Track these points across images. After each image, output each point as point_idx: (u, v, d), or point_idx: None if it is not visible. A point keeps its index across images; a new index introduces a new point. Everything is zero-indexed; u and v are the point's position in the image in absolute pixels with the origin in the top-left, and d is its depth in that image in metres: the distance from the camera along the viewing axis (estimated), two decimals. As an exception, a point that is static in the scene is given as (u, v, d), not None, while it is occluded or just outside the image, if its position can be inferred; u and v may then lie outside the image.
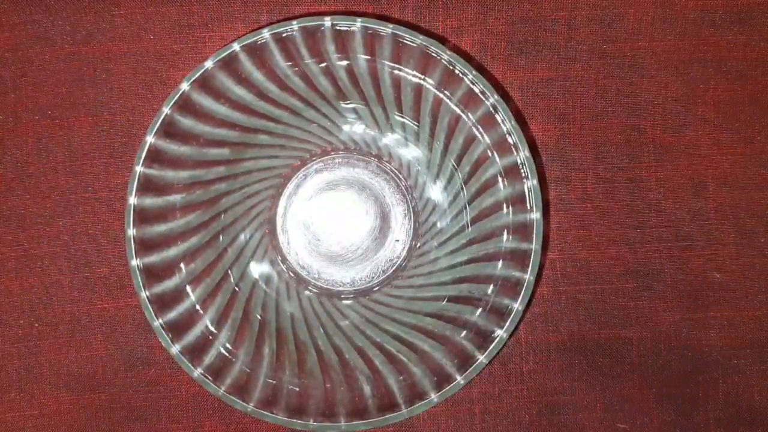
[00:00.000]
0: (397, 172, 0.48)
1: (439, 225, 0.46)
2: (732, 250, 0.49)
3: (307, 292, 0.47)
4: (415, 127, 0.45)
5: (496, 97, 0.40)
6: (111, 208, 0.48)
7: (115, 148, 0.48)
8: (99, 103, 0.48)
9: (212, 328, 0.43)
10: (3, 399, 0.48)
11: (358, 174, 0.48)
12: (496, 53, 0.48)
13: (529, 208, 0.41)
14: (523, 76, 0.48)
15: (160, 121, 0.41)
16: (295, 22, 0.40)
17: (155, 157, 0.41)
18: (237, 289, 0.45)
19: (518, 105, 0.48)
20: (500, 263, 0.42)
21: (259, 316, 0.45)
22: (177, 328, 0.42)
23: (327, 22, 0.40)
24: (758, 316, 0.49)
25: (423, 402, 0.41)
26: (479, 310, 0.42)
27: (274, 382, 0.42)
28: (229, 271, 0.45)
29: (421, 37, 0.40)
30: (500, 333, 0.41)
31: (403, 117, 0.45)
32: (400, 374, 0.42)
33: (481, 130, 0.41)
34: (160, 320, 0.41)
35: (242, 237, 0.46)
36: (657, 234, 0.48)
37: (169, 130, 0.41)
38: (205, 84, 0.41)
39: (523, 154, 0.40)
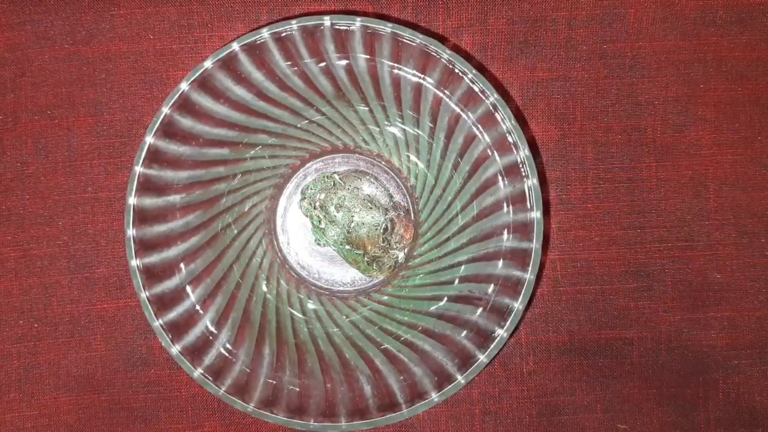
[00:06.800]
0: (396, 172, 0.48)
1: (439, 224, 0.46)
2: (732, 250, 0.49)
3: (306, 291, 0.47)
4: (415, 126, 0.45)
5: (495, 95, 0.40)
6: (111, 208, 0.48)
7: (115, 148, 0.48)
8: (98, 103, 0.48)
9: (212, 328, 0.43)
10: (2, 399, 0.48)
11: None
12: (496, 53, 0.48)
13: (529, 207, 0.41)
14: (523, 76, 0.48)
15: (159, 121, 0.41)
16: (294, 22, 0.40)
17: (155, 157, 0.41)
18: (237, 289, 0.45)
19: (518, 105, 0.48)
20: (500, 262, 0.42)
21: (259, 316, 0.45)
22: (177, 329, 0.41)
23: (326, 21, 0.40)
24: (759, 317, 0.49)
25: (423, 402, 0.41)
26: (480, 309, 0.42)
27: (274, 382, 0.42)
28: (229, 272, 0.45)
29: (420, 36, 0.40)
30: (501, 332, 0.41)
31: (402, 116, 0.45)
32: (400, 374, 0.42)
33: (480, 129, 0.41)
34: (160, 320, 0.41)
35: (242, 237, 0.46)
36: (657, 234, 0.48)
37: (168, 130, 0.41)
38: (204, 84, 0.41)
39: (523, 153, 0.40)
